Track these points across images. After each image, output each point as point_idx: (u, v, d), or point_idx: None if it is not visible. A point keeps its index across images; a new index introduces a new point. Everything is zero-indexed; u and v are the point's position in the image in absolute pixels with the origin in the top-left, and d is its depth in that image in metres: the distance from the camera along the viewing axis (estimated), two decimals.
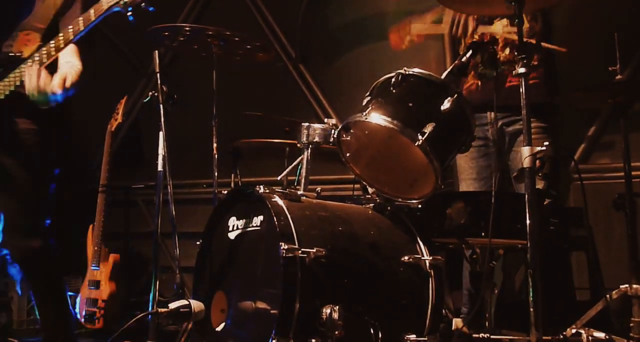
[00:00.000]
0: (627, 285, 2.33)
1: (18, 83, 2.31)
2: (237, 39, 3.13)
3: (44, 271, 2.42)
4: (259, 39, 3.24)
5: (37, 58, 2.28)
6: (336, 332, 1.89)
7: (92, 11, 2.17)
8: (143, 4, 2.12)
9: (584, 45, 3.12)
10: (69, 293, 3.60)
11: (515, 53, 2.71)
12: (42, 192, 2.44)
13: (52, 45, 2.25)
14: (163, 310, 2.20)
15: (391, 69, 2.20)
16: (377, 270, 2.16)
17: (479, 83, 2.83)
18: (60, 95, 2.28)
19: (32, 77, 2.22)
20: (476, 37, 2.84)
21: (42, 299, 2.45)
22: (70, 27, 2.21)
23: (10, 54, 2.36)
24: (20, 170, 2.38)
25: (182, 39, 3.16)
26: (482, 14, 2.56)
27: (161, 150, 2.53)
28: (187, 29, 3.13)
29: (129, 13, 2.11)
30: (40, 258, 2.39)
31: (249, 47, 3.21)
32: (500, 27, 2.81)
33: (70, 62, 2.42)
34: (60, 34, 2.24)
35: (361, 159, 2.36)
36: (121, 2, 2.10)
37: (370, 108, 2.15)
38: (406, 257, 2.17)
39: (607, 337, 2.26)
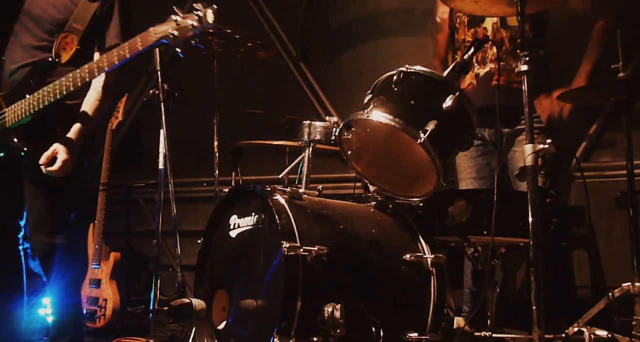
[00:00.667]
0: (629, 283, 2.32)
1: (64, 93, 2.27)
2: (237, 36, 3.12)
3: (63, 266, 2.44)
4: (259, 37, 3.24)
5: (70, 81, 2.24)
6: (338, 331, 1.88)
7: (138, 39, 2.10)
8: (193, 41, 2.07)
9: (586, 42, 3.11)
10: None
11: (508, 49, 2.71)
12: (69, 190, 2.45)
13: (87, 69, 2.21)
14: (164, 308, 2.20)
15: (392, 66, 2.20)
16: (378, 268, 2.16)
17: (475, 83, 2.83)
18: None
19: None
20: (469, 35, 2.83)
21: (57, 293, 2.47)
22: (115, 52, 2.14)
23: (50, 59, 2.37)
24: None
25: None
26: (481, 13, 2.54)
27: (162, 149, 2.52)
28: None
29: (178, 49, 2.07)
30: (61, 254, 2.42)
31: (249, 45, 3.21)
32: (490, 23, 2.81)
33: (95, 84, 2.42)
34: (104, 57, 2.18)
35: (362, 157, 2.35)
36: (170, 36, 2.04)
37: (371, 106, 2.14)
38: (408, 256, 2.17)
39: (609, 335, 2.26)
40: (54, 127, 2.41)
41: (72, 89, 2.25)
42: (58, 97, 2.29)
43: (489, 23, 2.82)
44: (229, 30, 3.06)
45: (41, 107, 2.31)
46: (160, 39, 2.06)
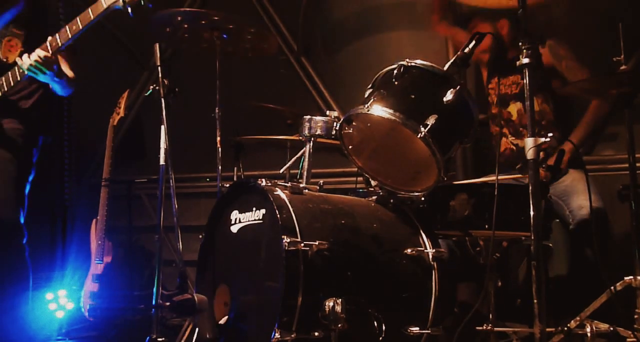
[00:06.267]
0: (631, 277, 2.32)
1: (6, 89, 2.46)
2: (238, 31, 3.11)
3: (14, 259, 2.46)
4: (261, 32, 3.23)
5: (16, 72, 2.43)
6: (339, 325, 1.88)
7: (89, 10, 2.27)
8: (143, 1, 2.21)
9: (588, 35, 3.09)
10: (73, 287, 3.63)
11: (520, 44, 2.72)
12: (22, 187, 2.52)
13: (49, 45, 2.35)
14: (166, 303, 2.20)
15: (394, 60, 2.19)
16: (379, 263, 2.16)
17: (514, 149, 2.95)
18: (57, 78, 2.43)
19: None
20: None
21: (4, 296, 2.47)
22: (67, 27, 2.31)
23: None
24: (7, 164, 2.47)
25: (185, 35, 3.15)
26: (476, 3, 2.55)
27: (163, 144, 2.52)
28: (186, 26, 3.11)
29: (129, 10, 2.22)
30: (9, 254, 2.44)
31: (249, 37, 3.19)
32: (515, 109, 2.94)
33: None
34: (57, 34, 2.34)
35: (363, 151, 2.35)
36: (120, 1, 2.20)
37: (372, 100, 2.14)
38: (409, 250, 2.17)
39: (611, 328, 2.25)
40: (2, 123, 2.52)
41: (18, 78, 2.44)
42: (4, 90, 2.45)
43: (513, 109, 2.96)
44: (231, 26, 3.05)
45: None
46: (112, 6, 2.23)
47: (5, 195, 2.46)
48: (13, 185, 2.50)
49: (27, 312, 2.53)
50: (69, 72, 2.56)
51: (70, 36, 2.32)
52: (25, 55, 2.40)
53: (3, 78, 2.47)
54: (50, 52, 2.36)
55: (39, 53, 2.37)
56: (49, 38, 2.38)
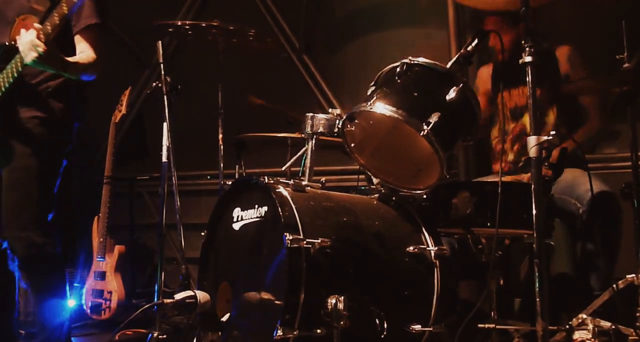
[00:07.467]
0: (633, 275, 2.32)
1: (16, 74, 2.25)
2: (241, 29, 3.11)
3: (45, 267, 2.34)
4: (263, 30, 3.23)
5: (18, 59, 2.21)
6: (341, 323, 1.89)
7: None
8: None
9: (590, 33, 3.08)
10: (75, 284, 3.63)
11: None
12: (47, 185, 2.38)
13: (48, 25, 2.15)
14: (169, 301, 2.21)
15: (397, 58, 2.19)
16: (382, 260, 2.16)
17: (511, 167, 2.88)
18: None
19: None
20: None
21: (41, 297, 2.37)
22: (64, 2, 2.12)
23: (6, 44, 2.27)
24: (28, 159, 2.32)
25: (189, 32, 3.16)
26: (483, 7, 2.54)
27: (165, 142, 2.52)
28: (188, 28, 3.12)
29: None
30: (42, 253, 2.31)
31: (253, 37, 3.20)
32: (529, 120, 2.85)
33: (84, 52, 2.37)
34: (55, 12, 2.15)
35: (366, 149, 2.35)
36: None
37: (375, 98, 2.14)
38: (411, 248, 2.17)
39: (613, 327, 2.26)
40: (17, 108, 2.33)
41: (21, 69, 2.22)
42: (12, 80, 2.26)
43: (527, 121, 2.81)
44: (231, 27, 3.06)
45: (3, 90, 2.28)
46: None
47: (25, 194, 2.29)
48: (35, 183, 2.31)
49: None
50: (91, 52, 2.33)
51: (66, 12, 2.11)
52: (19, 37, 2.15)
53: (12, 64, 2.25)
54: (44, 39, 2.13)
55: (30, 36, 2.11)
56: (36, 25, 2.16)
